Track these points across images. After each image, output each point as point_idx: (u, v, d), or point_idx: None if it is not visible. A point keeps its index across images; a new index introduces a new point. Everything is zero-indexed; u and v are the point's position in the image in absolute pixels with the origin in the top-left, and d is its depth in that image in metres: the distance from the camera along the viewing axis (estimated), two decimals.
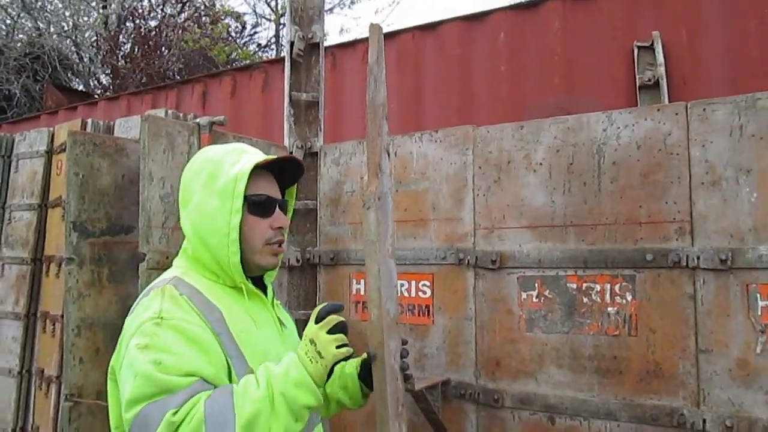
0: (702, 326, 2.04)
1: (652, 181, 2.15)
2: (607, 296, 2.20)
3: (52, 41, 11.78)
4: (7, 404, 3.80)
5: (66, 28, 12.63)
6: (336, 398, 1.72)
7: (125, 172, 2.67)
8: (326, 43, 3.42)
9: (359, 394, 1.70)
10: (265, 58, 11.38)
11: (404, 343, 1.73)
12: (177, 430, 1.22)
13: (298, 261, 2.86)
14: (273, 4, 13.25)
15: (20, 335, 3.83)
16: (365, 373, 1.66)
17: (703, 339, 2.03)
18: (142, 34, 12.08)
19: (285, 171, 1.62)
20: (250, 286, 1.53)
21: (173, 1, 12.86)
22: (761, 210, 1.98)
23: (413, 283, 2.58)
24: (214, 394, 1.26)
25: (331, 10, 13.98)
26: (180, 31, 11.64)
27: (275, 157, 1.55)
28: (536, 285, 2.32)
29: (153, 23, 12.47)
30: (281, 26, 12.54)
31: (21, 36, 12.36)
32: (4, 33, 12.14)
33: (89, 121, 3.73)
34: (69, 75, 12.24)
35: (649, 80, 3.66)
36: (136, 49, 11.87)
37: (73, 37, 12.55)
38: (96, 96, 10.13)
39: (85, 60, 12.55)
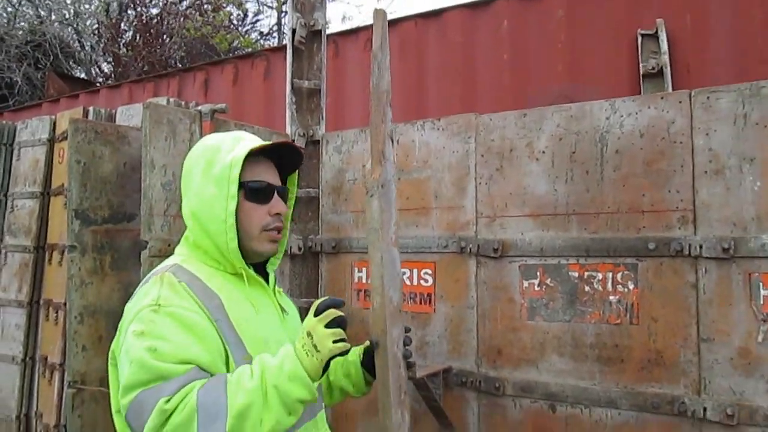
0: (704, 315, 2.04)
1: (655, 169, 2.14)
2: (609, 285, 2.20)
3: (54, 29, 11.73)
4: (10, 391, 3.82)
5: (67, 16, 12.58)
6: (339, 386, 1.73)
7: (127, 160, 2.67)
8: (328, 31, 3.40)
9: (362, 382, 1.71)
10: (267, 46, 11.33)
11: (407, 330, 1.73)
12: (169, 417, 1.23)
13: (300, 249, 2.86)
14: None
15: (23, 323, 3.84)
16: (368, 361, 1.66)
17: (705, 328, 2.03)
18: (144, 21, 12.03)
19: (285, 158, 1.62)
20: (250, 271, 1.53)
21: None
22: (764, 199, 1.97)
23: (415, 271, 2.59)
24: (207, 383, 1.27)
25: None
26: (182, 19, 11.58)
27: (270, 143, 1.54)
28: (538, 273, 2.32)
29: (155, 11, 12.41)
30: (283, 14, 12.47)
31: (22, 24, 12.32)
32: (5, 21, 12.09)
33: (91, 109, 3.73)
34: (70, 63, 12.21)
35: (653, 68, 3.64)
36: (138, 37, 11.82)
37: (75, 25, 12.49)
38: (98, 84, 10.11)
39: (87, 48, 12.50)
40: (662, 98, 2.17)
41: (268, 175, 1.56)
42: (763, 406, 1.92)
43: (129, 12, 12.69)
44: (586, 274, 2.24)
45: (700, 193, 2.07)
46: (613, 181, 2.21)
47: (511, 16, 4.26)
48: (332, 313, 1.39)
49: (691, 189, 2.08)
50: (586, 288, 2.23)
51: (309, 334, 1.35)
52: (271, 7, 13.07)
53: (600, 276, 2.21)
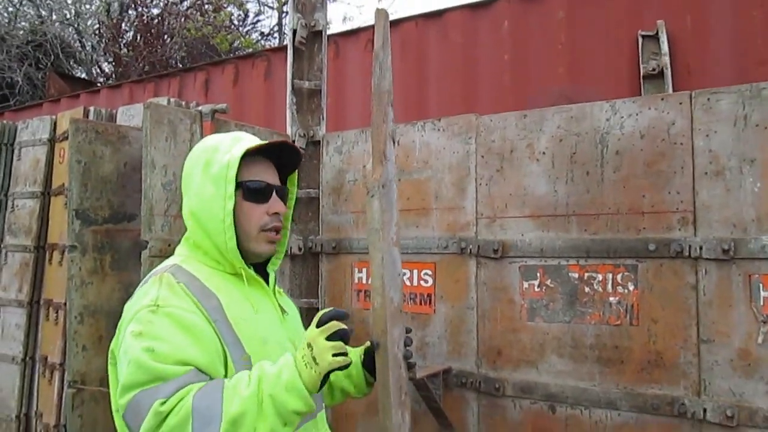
0: (703, 316, 2.04)
1: (656, 170, 2.14)
2: (609, 286, 2.20)
3: (55, 29, 11.73)
4: (10, 391, 3.82)
5: (68, 16, 12.58)
6: (340, 386, 1.73)
7: (127, 160, 2.67)
8: (329, 32, 3.41)
9: (364, 383, 1.71)
10: (267, 47, 11.34)
11: (408, 331, 1.73)
12: (164, 420, 1.23)
13: (300, 249, 2.86)
14: None
15: (24, 322, 3.84)
16: (369, 362, 1.66)
17: (705, 329, 2.03)
18: (145, 22, 12.03)
19: (284, 158, 1.62)
20: (250, 271, 1.54)
21: None
22: (764, 200, 1.97)
23: (415, 272, 2.59)
24: (204, 387, 1.26)
25: None
26: (182, 19, 11.59)
27: (267, 142, 1.55)
28: (538, 274, 2.32)
29: (155, 11, 12.41)
30: (284, 14, 12.48)
31: (23, 24, 12.32)
32: (6, 20, 12.09)
33: (92, 109, 3.73)
34: (71, 63, 12.21)
35: (654, 69, 3.64)
36: (139, 37, 11.83)
37: (76, 25, 12.49)
38: (98, 84, 10.11)
39: (88, 48, 12.51)
40: (662, 99, 2.17)
41: (266, 174, 1.56)
42: (762, 408, 1.92)
43: (130, 12, 12.70)
44: (586, 275, 2.24)
45: (700, 195, 2.07)
46: (613, 183, 2.21)
47: (512, 17, 4.26)
48: (334, 325, 1.35)
49: (691, 190, 2.08)
50: (586, 289, 2.23)
51: (309, 346, 1.33)
52: (272, 8, 13.07)
53: (600, 277, 2.21)
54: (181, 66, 10.52)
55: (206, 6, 12.33)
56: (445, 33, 4.55)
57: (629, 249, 2.16)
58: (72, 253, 2.54)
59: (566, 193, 2.29)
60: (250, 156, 1.51)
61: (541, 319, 2.31)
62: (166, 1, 12.36)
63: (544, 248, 2.31)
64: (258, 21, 13.55)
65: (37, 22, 11.99)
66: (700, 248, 2.04)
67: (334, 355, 1.31)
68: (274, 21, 13.26)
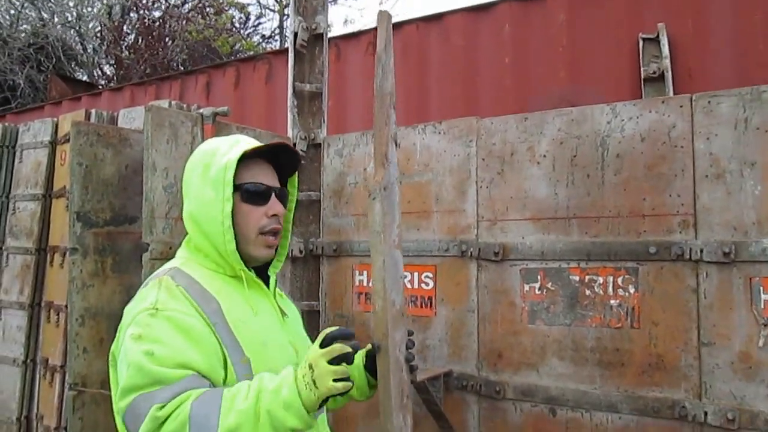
0: (704, 319, 2.04)
1: (656, 173, 2.14)
2: (610, 289, 2.20)
3: (56, 31, 11.76)
4: (11, 393, 3.82)
5: (70, 19, 12.61)
6: None
7: (129, 163, 2.67)
8: (330, 34, 3.41)
9: (366, 386, 1.70)
10: (268, 49, 11.35)
11: (410, 334, 1.73)
12: (162, 425, 1.23)
13: (301, 252, 2.86)
14: None
15: (25, 325, 3.84)
16: (371, 364, 1.65)
17: (706, 332, 2.03)
18: (146, 24, 12.06)
19: (283, 160, 1.62)
20: (250, 274, 1.54)
21: None
22: (765, 203, 1.97)
23: (416, 274, 2.59)
24: (203, 395, 1.26)
25: (335, 0, 13.92)
26: (184, 22, 11.62)
27: (264, 144, 1.55)
28: (539, 277, 2.32)
29: (157, 14, 12.44)
30: (285, 17, 12.50)
31: (25, 26, 12.35)
32: (8, 23, 12.12)
33: (93, 111, 3.73)
34: (73, 65, 12.24)
35: (654, 72, 3.64)
36: (140, 40, 11.86)
37: (77, 28, 12.52)
38: (100, 86, 10.13)
39: (89, 50, 12.54)
40: (663, 102, 2.17)
41: (264, 176, 1.56)
42: (763, 411, 1.92)
43: (131, 15, 12.73)
44: (587, 277, 2.24)
45: (700, 198, 2.07)
46: (614, 185, 2.21)
47: (513, 20, 4.27)
48: (337, 349, 1.32)
49: (691, 193, 2.08)
50: (587, 292, 2.23)
51: (311, 367, 1.30)
52: (273, 11, 13.09)
53: (601, 280, 2.21)
54: (182, 69, 10.53)
55: (208, 9, 12.36)
56: (446, 36, 4.55)
57: (630, 252, 2.16)
58: (73, 256, 2.54)
59: (567, 196, 2.29)
60: (248, 158, 1.51)
61: (541, 321, 2.31)
62: (167, 4, 12.38)
63: (544, 251, 2.31)
64: (259, 24, 13.59)
65: (38, 25, 12.02)
66: (701, 251, 2.04)
67: (335, 380, 1.28)
68: (276, 24, 13.30)
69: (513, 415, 2.34)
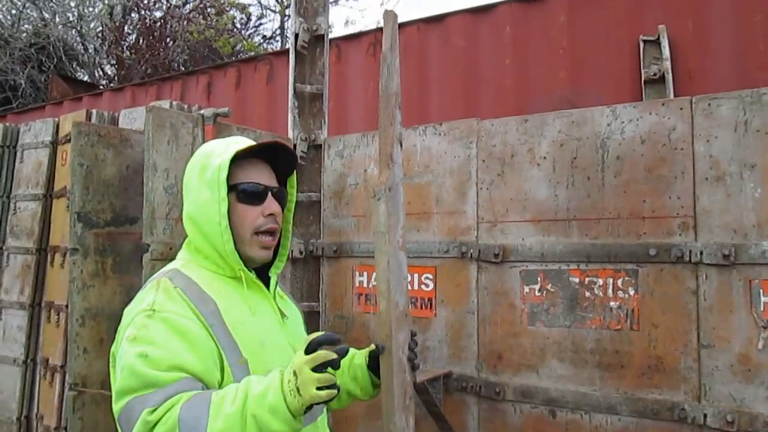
0: (704, 321, 2.04)
1: (656, 175, 2.14)
2: (610, 290, 2.20)
3: (58, 32, 11.77)
4: (11, 393, 3.82)
5: (71, 19, 12.61)
6: (346, 389, 1.72)
7: (129, 163, 2.68)
8: (331, 35, 3.42)
9: (370, 385, 1.70)
10: (269, 50, 11.36)
11: (413, 335, 1.73)
12: (153, 428, 1.23)
13: (301, 253, 2.86)
14: None
15: (25, 325, 3.85)
16: (375, 364, 1.66)
17: (705, 334, 2.03)
18: (147, 25, 12.06)
19: (281, 160, 1.62)
20: (249, 274, 1.54)
21: None
22: (765, 205, 1.97)
23: (416, 276, 2.59)
24: (193, 398, 1.26)
25: (336, 1, 13.92)
26: (185, 23, 11.62)
27: (256, 143, 1.55)
28: (539, 279, 2.32)
29: (158, 14, 12.44)
30: (286, 18, 12.50)
31: (26, 26, 12.35)
32: (9, 23, 12.13)
33: (94, 111, 3.74)
34: (74, 65, 12.25)
35: (655, 74, 3.64)
36: (141, 40, 11.86)
37: (78, 28, 12.53)
38: (101, 87, 10.14)
39: (90, 51, 12.54)
40: (663, 105, 2.17)
41: (260, 176, 1.56)
42: (763, 413, 1.92)
43: (133, 15, 12.73)
44: (587, 279, 2.24)
45: (700, 200, 2.07)
46: (614, 187, 2.21)
47: (514, 22, 4.27)
48: (322, 356, 1.27)
49: (691, 195, 2.09)
50: (587, 294, 2.23)
51: (295, 374, 1.27)
52: (274, 11, 13.09)
53: (600, 282, 2.22)
54: (183, 69, 10.54)
55: (209, 9, 12.37)
56: (447, 37, 4.55)
57: (630, 254, 2.16)
58: (74, 256, 2.54)
59: (567, 198, 2.30)
60: (245, 159, 1.52)
61: (541, 323, 2.31)
62: (168, 4, 12.39)
63: (544, 253, 2.31)
64: (260, 24, 13.58)
65: (40, 25, 12.02)
66: (701, 253, 2.04)
67: (319, 388, 1.25)
68: (277, 24, 13.28)
69: (513, 417, 2.34)
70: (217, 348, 1.37)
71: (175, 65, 11.38)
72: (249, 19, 13.32)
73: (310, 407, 1.28)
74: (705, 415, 2.00)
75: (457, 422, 2.41)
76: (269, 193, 1.56)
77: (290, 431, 1.27)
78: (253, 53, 10.07)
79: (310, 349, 1.29)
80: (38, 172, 3.98)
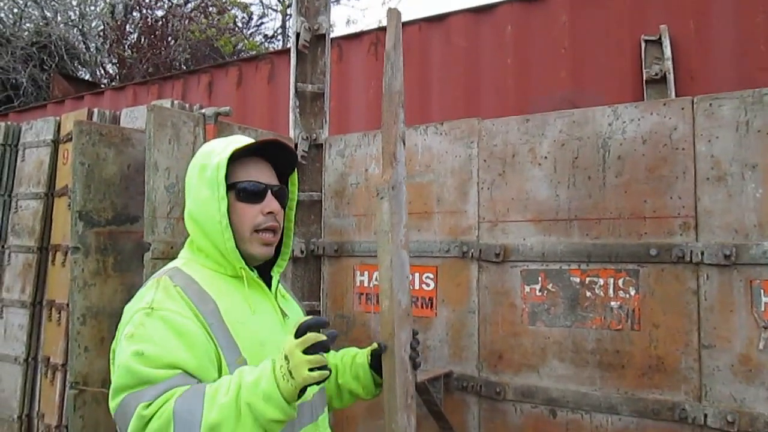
0: (705, 322, 2.04)
1: (657, 175, 2.14)
2: (611, 290, 2.20)
3: (59, 30, 11.77)
4: (12, 391, 3.83)
5: (73, 18, 12.62)
6: (348, 388, 1.73)
7: (131, 162, 2.68)
8: (332, 35, 3.42)
9: (372, 384, 1.70)
10: (271, 49, 11.36)
11: (415, 334, 1.73)
12: (147, 423, 1.24)
13: (302, 252, 2.86)
14: None
15: (26, 323, 3.85)
16: (377, 363, 1.66)
17: (706, 334, 2.03)
18: (149, 24, 12.07)
19: (281, 158, 1.62)
20: (250, 273, 1.54)
21: None
22: (766, 206, 1.97)
23: (417, 275, 2.59)
24: (186, 392, 1.27)
25: (337, 1, 13.92)
26: (186, 22, 11.62)
27: (253, 141, 1.55)
28: (540, 278, 2.32)
29: (160, 13, 12.45)
30: (288, 17, 12.51)
31: (28, 25, 12.36)
32: (11, 22, 12.15)
33: (95, 110, 3.74)
34: (76, 64, 12.25)
35: (656, 74, 3.64)
36: (143, 39, 11.87)
37: (80, 27, 12.54)
38: (102, 86, 10.14)
39: (92, 49, 12.55)
40: (665, 105, 2.17)
41: (260, 174, 1.56)
42: (763, 414, 1.92)
43: (134, 14, 12.74)
44: (588, 279, 2.24)
45: (702, 200, 2.07)
46: (615, 187, 2.21)
47: (515, 22, 4.26)
48: (312, 338, 1.27)
49: (693, 195, 2.09)
50: (588, 293, 2.23)
51: (286, 358, 1.27)
52: (276, 10, 13.09)
53: (601, 282, 2.22)
54: (184, 68, 10.54)
55: (210, 8, 12.37)
56: (448, 37, 4.55)
57: (631, 254, 2.16)
58: (75, 255, 2.54)
59: (568, 198, 2.30)
60: (244, 157, 1.53)
61: (542, 323, 2.31)
62: (170, 4, 12.39)
63: (545, 252, 2.31)
64: (262, 23, 13.59)
65: (41, 24, 12.03)
66: (702, 253, 2.04)
67: (312, 369, 1.26)
68: (278, 24, 13.28)
69: (513, 417, 2.34)
70: (215, 347, 1.37)
71: (177, 64, 11.38)
72: (250, 19, 13.33)
73: (303, 391, 1.28)
74: (705, 416, 2.00)
75: (457, 422, 2.41)
76: (269, 192, 1.56)
77: (285, 418, 1.27)
78: (254, 52, 10.08)
79: (299, 333, 1.29)
80: (40, 170, 3.98)
